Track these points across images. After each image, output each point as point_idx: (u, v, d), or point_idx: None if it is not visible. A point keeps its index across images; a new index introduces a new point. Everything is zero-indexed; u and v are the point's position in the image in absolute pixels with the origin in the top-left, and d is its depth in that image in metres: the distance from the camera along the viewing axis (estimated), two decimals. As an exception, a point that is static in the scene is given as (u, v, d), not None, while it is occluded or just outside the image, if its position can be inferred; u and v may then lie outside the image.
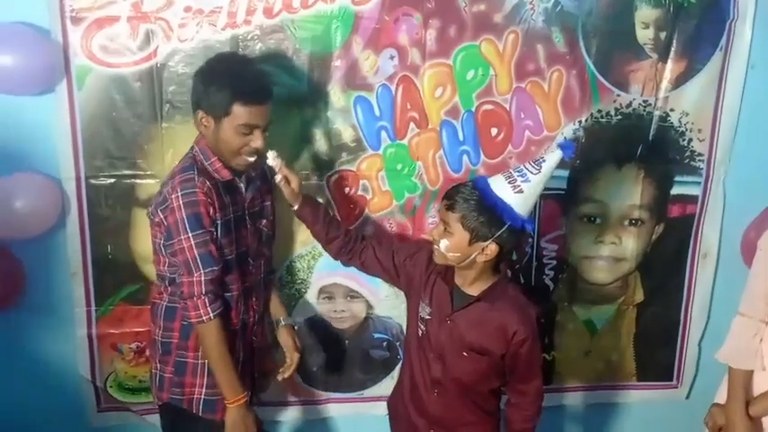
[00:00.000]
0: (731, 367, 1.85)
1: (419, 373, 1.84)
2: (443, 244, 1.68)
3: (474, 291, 1.75)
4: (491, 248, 1.66)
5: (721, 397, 1.91)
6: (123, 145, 2.03)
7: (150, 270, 1.99)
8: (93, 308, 2.14)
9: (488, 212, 1.63)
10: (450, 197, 1.67)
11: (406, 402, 1.89)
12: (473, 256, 1.67)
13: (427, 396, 1.83)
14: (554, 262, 2.37)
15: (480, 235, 1.64)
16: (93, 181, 2.04)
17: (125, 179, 2.06)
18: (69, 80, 1.96)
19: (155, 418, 1.98)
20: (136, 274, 2.12)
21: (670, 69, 2.23)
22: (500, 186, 1.65)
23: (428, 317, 1.79)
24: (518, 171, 1.68)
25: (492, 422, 1.87)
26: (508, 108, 2.18)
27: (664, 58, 2.22)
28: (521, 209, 1.64)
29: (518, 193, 1.63)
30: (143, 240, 1.94)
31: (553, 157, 1.68)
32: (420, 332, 1.82)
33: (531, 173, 1.65)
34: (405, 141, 2.16)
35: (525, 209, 1.66)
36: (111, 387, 2.23)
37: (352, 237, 1.94)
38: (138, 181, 2.06)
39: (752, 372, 1.83)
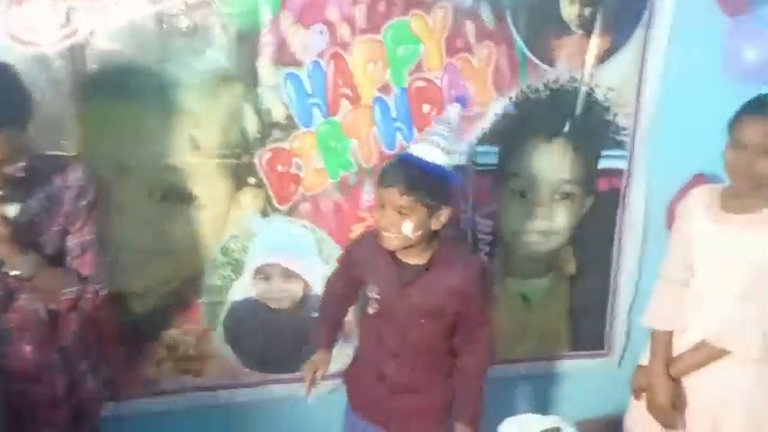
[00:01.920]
0: (653, 329, 1.93)
1: (375, 348, 1.87)
2: (407, 227, 1.67)
3: (420, 260, 1.77)
4: (445, 214, 1.70)
5: (646, 359, 1.98)
6: (45, 125, 1.96)
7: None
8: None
9: (433, 181, 1.66)
10: (393, 182, 1.65)
11: (366, 374, 1.92)
12: (431, 227, 1.71)
13: (386, 366, 1.85)
14: (489, 237, 2.41)
15: (435, 205, 1.68)
16: (14, 163, 1.97)
17: (48, 160, 1.99)
18: (-14, 59, 1.88)
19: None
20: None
21: (595, 45, 2.28)
22: (427, 152, 1.67)
23: (377, 296, 1.81)
24: (433, 134, 1.70)
25: (448, 384, 1.89)
26: (439, 84, 2.20)
27: (589, 33, 2.27)
28: (451, 167, 1.70)
29: (444, 153, 1.68)
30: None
31: (454, 110, 1.75)
32: (372, 311, 1.84)
33: (445, 131, 1.69)
34: (337, 118, 2.15)
35: (452, 165, 1.71)
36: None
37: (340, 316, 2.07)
38: (62, 162, 2.00)
39: (672, 333, 1.90)
